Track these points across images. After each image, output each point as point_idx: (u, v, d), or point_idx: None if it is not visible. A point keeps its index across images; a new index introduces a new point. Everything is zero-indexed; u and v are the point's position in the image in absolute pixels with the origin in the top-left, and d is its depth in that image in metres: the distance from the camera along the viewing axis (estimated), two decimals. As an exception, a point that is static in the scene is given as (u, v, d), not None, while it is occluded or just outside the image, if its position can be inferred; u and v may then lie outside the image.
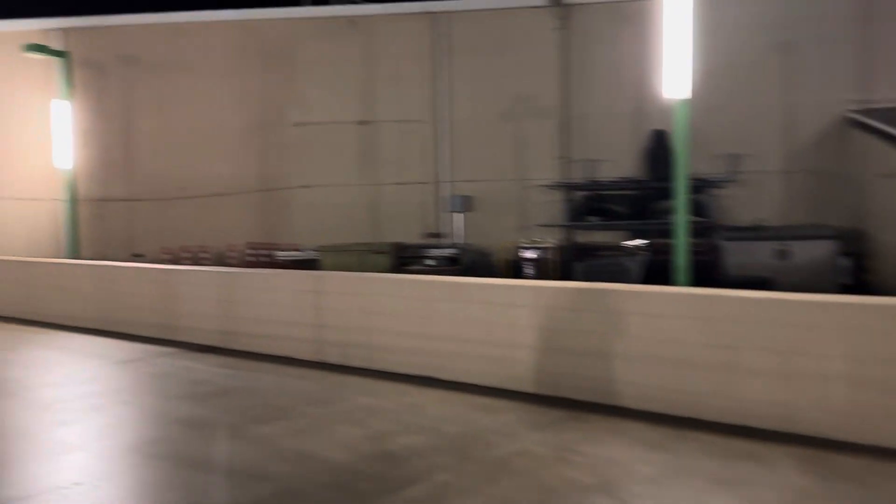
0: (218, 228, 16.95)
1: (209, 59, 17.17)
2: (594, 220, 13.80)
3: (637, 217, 13.25)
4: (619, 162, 14.65)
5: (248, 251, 16.43)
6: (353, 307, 9.12)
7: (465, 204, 15.89)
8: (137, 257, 16.44)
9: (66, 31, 17.28)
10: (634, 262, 12.33)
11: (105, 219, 17.54)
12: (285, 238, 16.63)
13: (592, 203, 13.95)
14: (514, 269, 14.29)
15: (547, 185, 14.70)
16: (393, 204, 16.41)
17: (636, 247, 13.20)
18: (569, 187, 14.40)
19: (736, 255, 12.28)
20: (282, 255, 15.94)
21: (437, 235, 16.11)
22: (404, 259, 14.21)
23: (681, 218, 10.45)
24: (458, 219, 16.05)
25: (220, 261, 16.30)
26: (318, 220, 16.61)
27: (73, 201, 16.64)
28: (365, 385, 8.14)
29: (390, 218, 16.31)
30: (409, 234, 15.71)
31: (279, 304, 9.98)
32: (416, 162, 16.46)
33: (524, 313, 7.56)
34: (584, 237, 14.70)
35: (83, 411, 7.27)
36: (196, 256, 16.51)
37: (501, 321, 7.72)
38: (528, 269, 14.06)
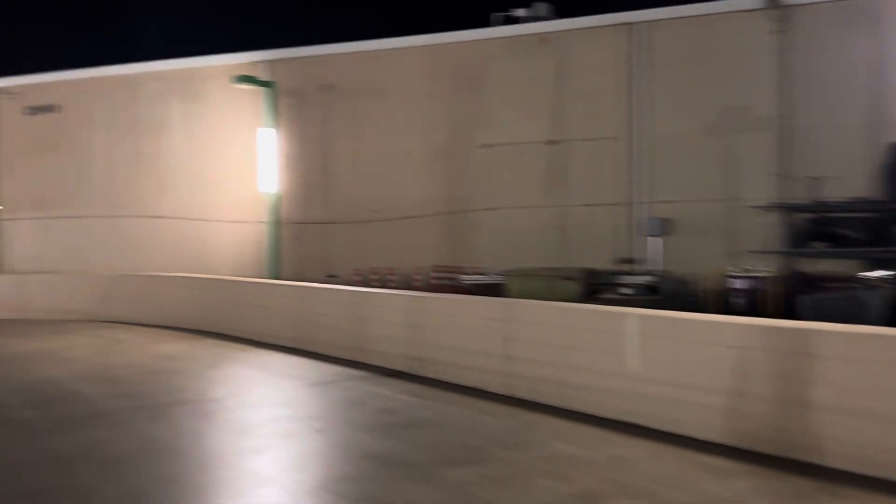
0: (406, 251, 17.04)
1: (400, 84, 17.44)
2: (821, 246, 12.01)
3: (876, 244, 11.32)
4: (850, 180, 12.71)
5: (433, 274, 16.33)
6: (545, 339, 8.41)
7: (663, 227, 14.62)
8: (331, 278, 16.92)
9: (271, 62, 18.40)
10: (876, 296, 10.48)
11: (303, 240, 18.32)
12: (469, 261, 16.33)
13: (819, 227, 12.16)
14: (722, 301, 12.79)
15: (762, 207, 13.09)
16: (582, 227, 15.51)
17: (878, 279, 11.25)
18: (789, 209, 12.69)
19: None
20: (466, 278, 15.64)
21: (631, 261, 14.95)
22: (595, 286, 13.26)
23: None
24: (655, 243, 14.79)
25: (407, 283, 16.33)
26: (502, 243, 16.13)
27: (276, 224, 17.55)
28: (561, 428, 7.38)
29: (579, 242, 15.41)
30: (600, 260, 14.72)
31: (467, 332, 9.53)
32: (609, 182, 15.45)
33: (754, 357, 6.43)
34: (807, 266, 12.86)
35: (277, 438, 7.18)
36: (384, 278, 16.68)
37: (726, 365, 6.63)
38: (739, 302, 12.52)
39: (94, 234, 20.09)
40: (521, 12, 17.11)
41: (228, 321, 14.46)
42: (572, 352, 8.06)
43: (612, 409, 7.52)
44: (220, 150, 19.01)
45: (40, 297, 17.86)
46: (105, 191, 20.22)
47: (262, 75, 17.95)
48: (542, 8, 17.07)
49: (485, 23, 17.24)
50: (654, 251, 14.74)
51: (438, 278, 16.19)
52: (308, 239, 18.31)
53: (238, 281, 15.13)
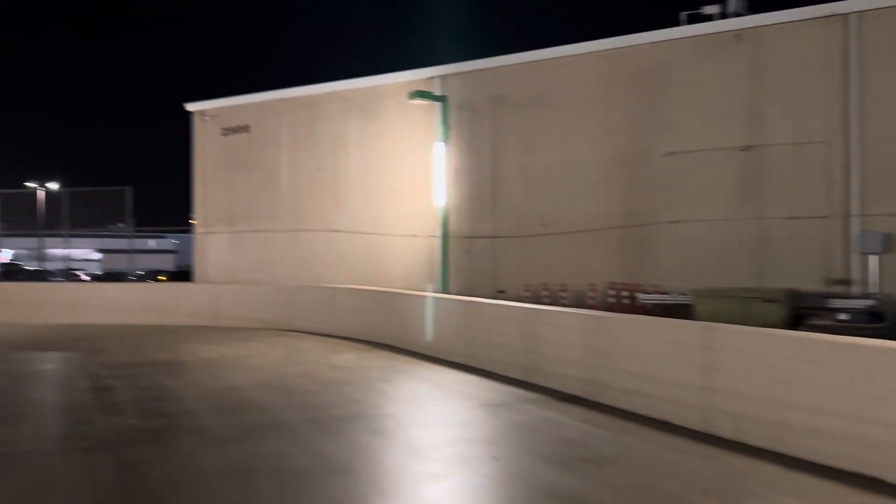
0: (578, 266, 16.21)
1: (573, 92, 16.71)
2: None
3: None
4: None
5: (609, 292, 15.33)
6: (753, 371, 7.32)
7: (884, 243, 12.64)
8: (500, 294, 16.47)
9: (443, 77, 18.40)
10: None
11: (471, 255, 18.06)
12: (649, 279, 15.16)
13: None
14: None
15: None
16: (783, 242, 13.81)
17: None
18: None
19: None
20: (645, 297, 14.49)
21: (845, 282, 13.09)
22: (803, 311, 11.67)
23: None
24: (873, 262, 12.84)
25: (580, 301, 15.47)
26: (686, 259, 14.80)
27: (445, 238, 17.43)
28: (777, 476, 6.29)
29: (779, 259, 13.72)
30: (806, 280, 12.98)
31: (654, 358, 8.62)
32: (814, 191, 13.64)
33: None
34: None
35: (451, 463, 6.74)
36: (555, 295, 15.93)
37: None
38: None
39: (278, 246, 21.15)
40: (711, 9, 15.74)
41: (399, 334, 14.45)
42: (786, 387, 6.94)
43: (842, 457, 6.32)
44: (393, 166, 19.29)
45: (230, 305, 19.01)
46: (288, 206, 21.25)
47: (436, 90, 17.98)
48: (736, 4, 15.59)
49: (672, 22, 16.01)
50: (872, 271, 12.79)
51: (615, 296, 15.18)
52: (476, 253, 18.02)
53: (409, 294, 15.10)
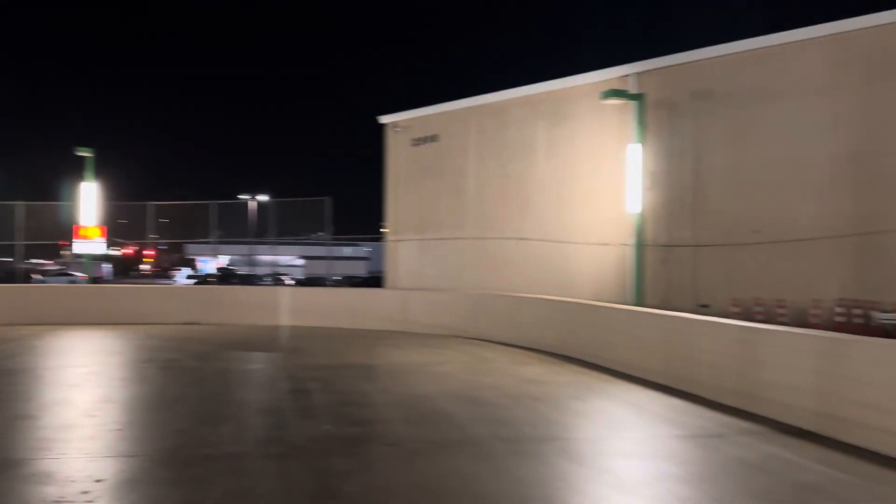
0: (796, 279, 14.34)
1: (792, 83, 14.87)
2: None
3: None
4: None
5: (837, 309, 13.33)
6: None
7: None
8: (703, 308, 15.01)
9: (640, 74, 17.25)
10: None
11: (669, 265, 16.71)
12: (887, 294, 13.00)
13: None
14: None
15: None
16: None
17: None
18: None
19: None
20: (884, 317, 12.43)
21: None
22: None
23: None
24: None
25: (801, 319, 13.61)
26: (938, 273, 12.50)
27: (640, 247, 16.27)
28: None
29: None
30: None
31: (912, 390, 7.15)
32: None
33: None
34: None
35: (665, 503, 5.86)
36: (771, 312, 14.16)
37: None
38: None
39: (465, 254, 21.11)
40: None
41: (589, 348, 13.62)
42: None
43: None
44: (583, 171, 18.44)
45: (418, 311, 19.20)
46: (475, 213, 21.14)
47: (630, 89, 16.89)
48: None
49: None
50: None
51: (844, 315, 13.19)
52: (674, 263, 16.63)
53: (601, 306, 14.19)
